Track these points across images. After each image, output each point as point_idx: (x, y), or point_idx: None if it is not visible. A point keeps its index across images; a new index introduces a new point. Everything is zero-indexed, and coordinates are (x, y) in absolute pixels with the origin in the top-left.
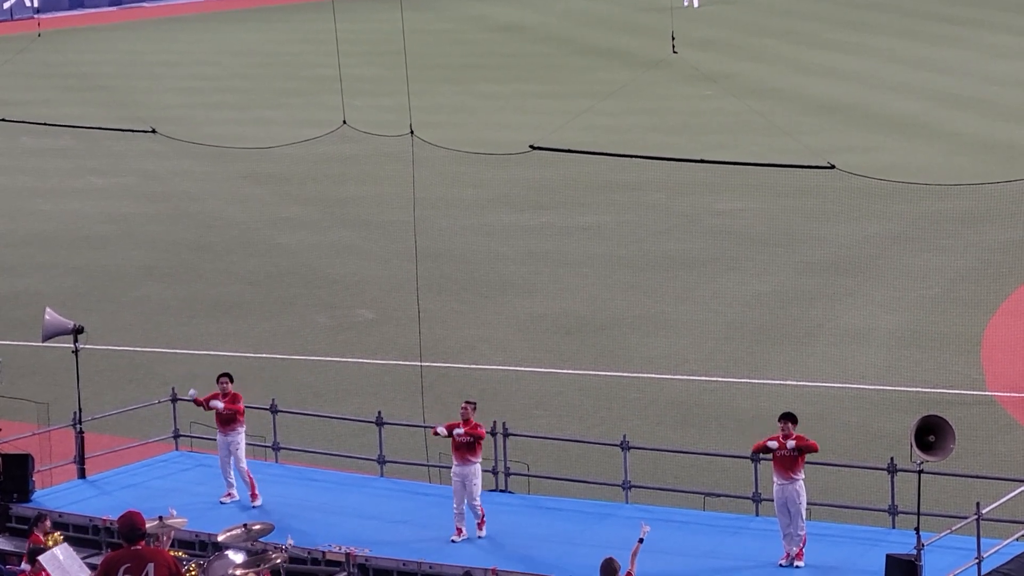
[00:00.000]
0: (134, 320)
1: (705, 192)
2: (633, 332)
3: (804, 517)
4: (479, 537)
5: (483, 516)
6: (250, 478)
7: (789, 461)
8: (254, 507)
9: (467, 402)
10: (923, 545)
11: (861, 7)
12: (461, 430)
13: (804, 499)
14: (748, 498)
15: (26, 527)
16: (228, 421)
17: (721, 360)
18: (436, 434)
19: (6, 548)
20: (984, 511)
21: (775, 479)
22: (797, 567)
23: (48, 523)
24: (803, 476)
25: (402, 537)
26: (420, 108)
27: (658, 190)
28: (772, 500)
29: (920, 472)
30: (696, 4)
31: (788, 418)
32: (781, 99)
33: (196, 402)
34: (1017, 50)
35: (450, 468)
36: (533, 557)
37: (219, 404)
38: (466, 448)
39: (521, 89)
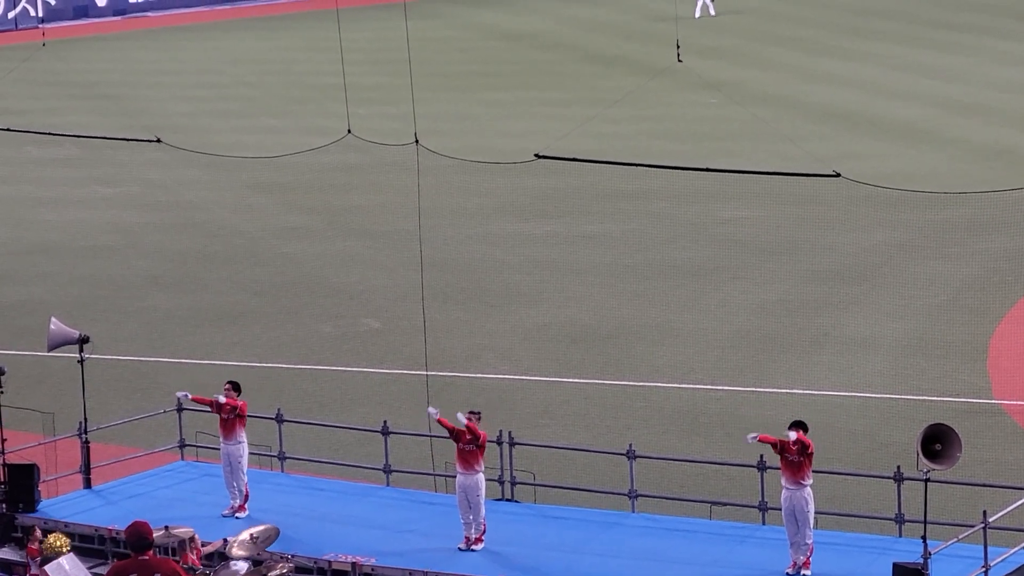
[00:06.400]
0: (139, 330)
1: (710, 200)
2: (639, 341)
3: (811, 526)
4: (473, 550)
5: (483, 532)
6: (246, 489)
7: (797, 466)
8: (237, 517)
9: (471, 412)
10: (930, 554)
11: (866, 14)
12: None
13: (811, 507)
14: (754, 507)
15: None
16: (230, 428)
17: (727, 369)
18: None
19: (12, 558)
20: (991, 519)
21: (783, 484)
22: None
23: (38, 532)
24: (811, 482)
25: (408, 546)
26: (425, 116)
27: (663, 198)
28: (779, 509)
29: (927, 481)
30: (712, 12)
31: (798, 427)
32: (786, 107)
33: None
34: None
35: (455, 477)
36: (539, 566)
37: (220, 397)
38: (469, 454)
39: (526, 97)
